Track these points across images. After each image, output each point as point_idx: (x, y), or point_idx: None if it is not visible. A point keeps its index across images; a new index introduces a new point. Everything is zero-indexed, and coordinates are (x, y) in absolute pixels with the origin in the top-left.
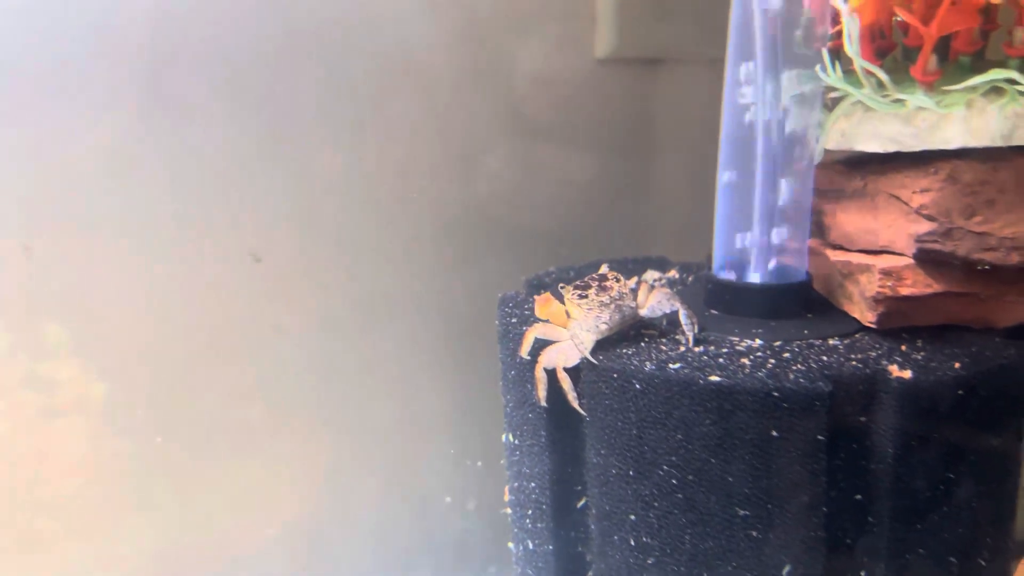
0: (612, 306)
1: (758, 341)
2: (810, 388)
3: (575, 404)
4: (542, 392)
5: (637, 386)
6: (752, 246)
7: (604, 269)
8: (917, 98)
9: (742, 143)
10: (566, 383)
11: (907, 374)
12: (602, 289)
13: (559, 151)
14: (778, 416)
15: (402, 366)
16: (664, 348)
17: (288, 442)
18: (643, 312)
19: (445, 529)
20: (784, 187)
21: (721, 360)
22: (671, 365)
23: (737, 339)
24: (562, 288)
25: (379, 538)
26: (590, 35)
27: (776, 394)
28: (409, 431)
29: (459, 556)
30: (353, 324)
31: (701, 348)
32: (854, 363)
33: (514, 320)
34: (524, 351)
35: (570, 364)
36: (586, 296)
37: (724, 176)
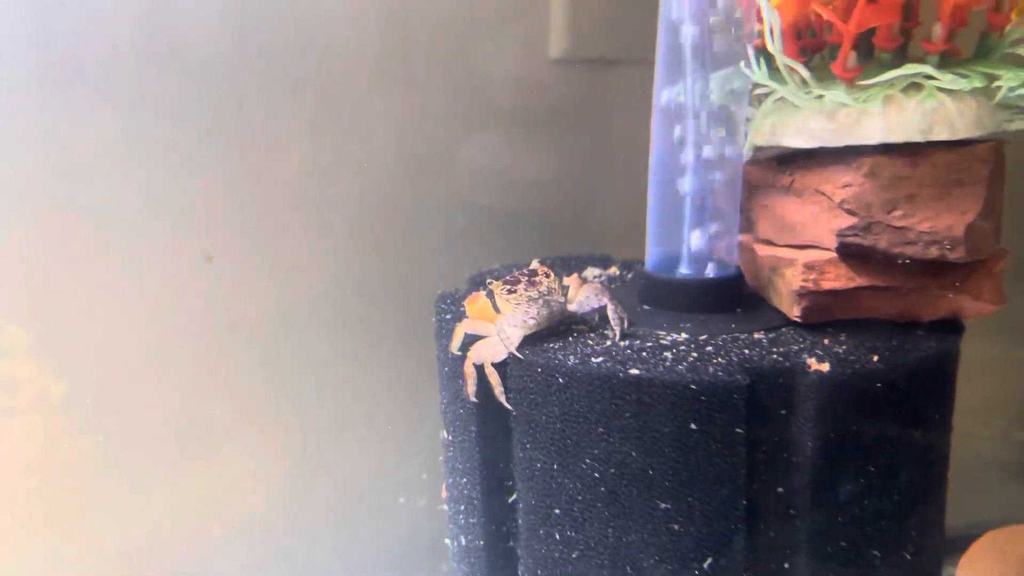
0: (540, 301)
1: (683, 335)
2: (728, 381)
3: (502, 399)
4: (471, 387)
5: (560, 380)
6: (682, 242)
7: (535, 265)
8: (835, 93)
9: (671, 142)
10: (493, 378)
11: (825, 367)
12: (531, 284)
13: (513, 151)
14: (696, 409)
15: (358, 365)
16: (591, 343)
17: (243, 442)
18: (572, 307)
19: (399, 528)
20: (714, 184)
21: (644, 354)
22: (594, 359)
23: (664, 333)
24: (491, 283)
25: (333, 537)
26: (545, 36)
27: (694, 387)
28: (363, 430)
29: (411, 554)
30: (308, 323)
31: (627, 342)
32: (775, 356)
33: (448, 317)
34: (454, 346)
35: (497, 359)
36: (514, 291)
37: (654, 173)
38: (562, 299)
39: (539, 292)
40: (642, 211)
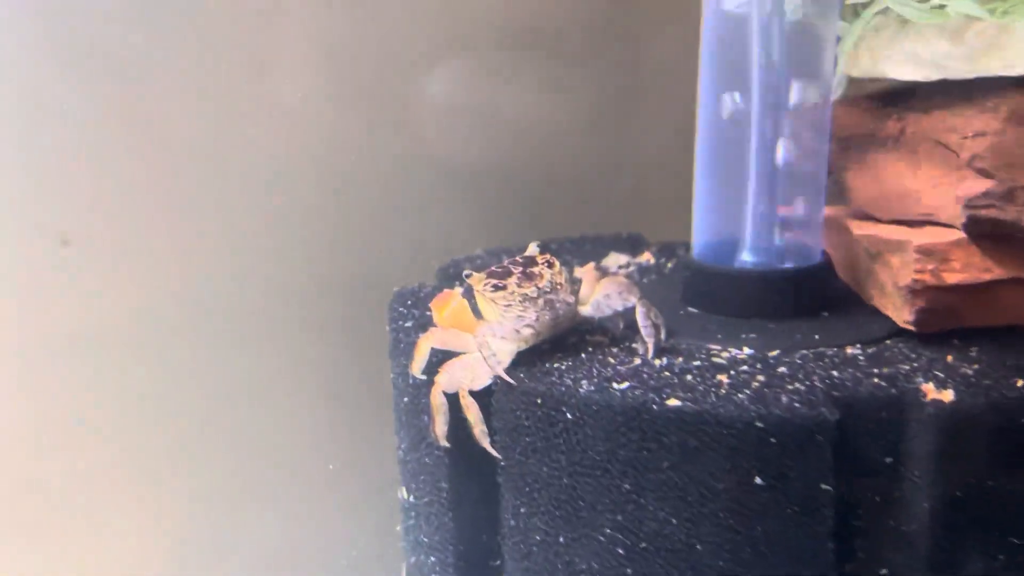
0: (540, 302)
1: (746, 350)
2: (808, 416)
3: (485, 443)
4: (440, 427)
5: (569, 416)
6: (744, 219)
7: (533, 250)
8: (963, 3)
9: (728, 68)
10: (472, 413)
11: (947, 395)
12: (527, 278)
13: (503, 86)
14: (764, 457)
15: (282, 393)
16: (612, 361)
17: (114, 503)
18: (586, 310)
19: None
20: (789, 134)
21: (689, 377)
22: (617, 385)
23: (718, 348)
24: (469, 276)
25: None
26: None
27: (760, 424)
28: (290, 486)
29: None
30: (207, 331)
31: (664, 360)
32: (877, 380)
33: (409, 325)
34: (416, 368)
35: (478, 386)
36: (503, 287)
37: (704, 120)
38: (571, 299)
39: (538, 289)
40: (687, 173)
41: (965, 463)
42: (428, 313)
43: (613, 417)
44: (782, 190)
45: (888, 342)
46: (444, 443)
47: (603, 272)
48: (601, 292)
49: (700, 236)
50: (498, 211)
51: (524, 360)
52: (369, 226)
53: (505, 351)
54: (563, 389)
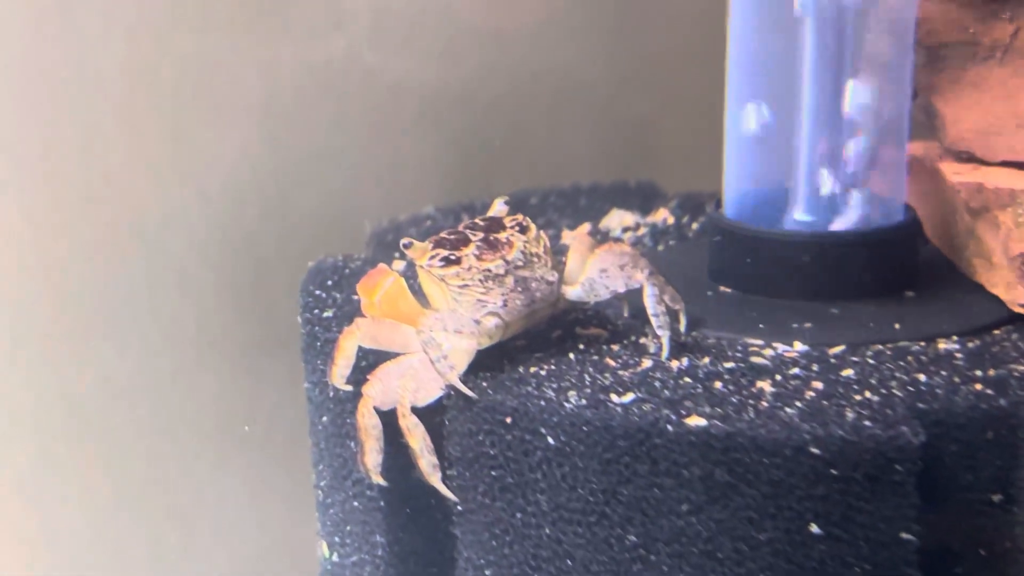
0: (510, 280)
1: (798, 346)
2: (883, 439)
3: (435, 479)
4: (372, 456)
5: (551, 440)
6: (797, 160)
7: (499, 208)
8: None
9: None
10: (417, 438)
11: None
12: (489, 247)
13: None
14: (823, 495)
15: (133, 397)
16: (612, 363)
17: None
18: (574, 292)
19: None
20: (859, 39)
21: (719, 385)
22: (617, 397)
23: (760, 343)
24: (409, 247)
25: None
26: None
27: (816, 450)
28: (164, 538)
29: None
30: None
31: (685, 361)
32: (980, 387)
33: (330, 315)
34: (336, 375)
35: (424, 400)
36: (457, 261)
37: (742, 10)
38: (553, 276)
39: (506, 262)
40: (715, 96)
41: None
42: (355, 298)
43: (612, 442)
44: (849, 120)
45: (997, 332)
46: (377, 479)
47: (598, 238)
48: (595, 267)
49: (735, 185)
50: (458, 147)
51: (487, 362)
52: (276, 170)
53: (461, 351)
54: (542, 404)
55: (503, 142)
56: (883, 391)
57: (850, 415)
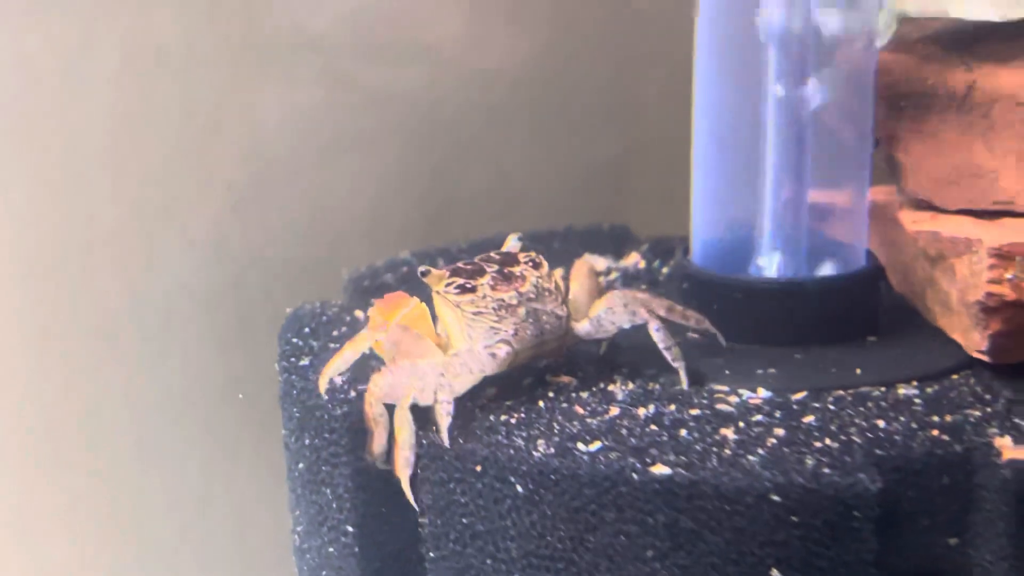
0: (522, 311)
1: (762, 392)
2: (842, 485)
3: (404, 475)
4: (378, 446)
5: (519, 488)
6: (762, 209)
7: (513, 244)
8: None
9: (734, 19)
10: (406, 432)
11: None
12: (504, 279)
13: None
14: (783, 541)
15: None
16: (581, 411)
17: None
18: (582, 328)
19: None
20: (821, 91)
21: (685, 432)
22: (584, 445)
23: (725, 389)
24: (426, 274)
25: None
26: None
27: (776, 497)
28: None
29: None
30: None
31: (652, 409)
32: (937, 433)
33: (305, 363)
34: (325, 379)
35: (425, 403)
36: (473, 289)
37: (706, 65)
38: (563, 311)
39: (519, 294)
40: (683, 141)
41: None
42: (333, 346)
43: (579, 490)
44: (812, 169)
45: (955, 377)
46: (383, 466)
47: (601, 280)
48: (605, 306)
49: (701, 233)
50: (434, 192)
51: (460, 412)
52: (261, 214)
53: (466, 376)
54: (511, 452)
55: (478, 185)
56: (843, 438)
57: (810, 462)
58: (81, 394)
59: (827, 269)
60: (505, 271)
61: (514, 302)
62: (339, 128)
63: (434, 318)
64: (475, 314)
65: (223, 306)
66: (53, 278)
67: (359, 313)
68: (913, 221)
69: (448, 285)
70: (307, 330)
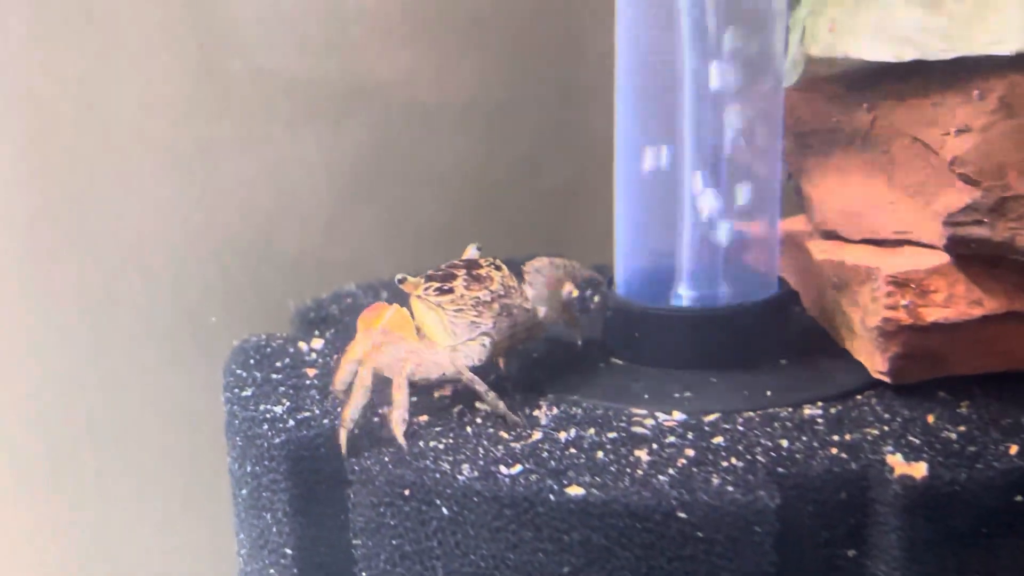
0: (496, 306)
1: (677, 415)
2: (742, 503)
3: (399, 431)
4: (352, 412)
5: (444, 510)
6: (678, 241)
7: (472, 253)
8: None
9: (653, 50)
10: (402, 396)
11: (920, 470)
12: (474, 280)
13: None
14: (689, 556)
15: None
16: (505, 436)
17: None
18: (543, 312)
19: None
20: (732, 130)
21: (601, 454)
22: (506, 468)
23: (643, 412)
24: (403, 282)
25: None
26: None
27: (682, 515)
28: None
29: None
30: None
31: (573, 432)
32: (835, 452)
33: (248, 393)
34: (339, 391)
35: (419, 377)
36: (450, 291)
37: (623, 114)
38: (529, 304)
39: (491, 292)
40: (607, 171)
41: (944, 556)
42: (274, 376)
43: (500, 511)
44: (727, 201)
45: (859, 397)
46: (351, 427)
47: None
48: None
49: (624, 264)
50: (397, 223)
51: (392, 437)
52: (217, 245)
53: (476, 349)
54: (438, 476)
55: (428, 216)
56: (748, 457)
57: (715, 481)
58: (46, 424)
59: (741, 296)
60: (473, 273)
61: (488, 299)
62: (291, 163)
63: None
64: (456, 311)
65: (183, 336)
66: (10, 318)
67: (302, 344)
68: (820, 250)
69: (427, 289)
70: (251, 362)
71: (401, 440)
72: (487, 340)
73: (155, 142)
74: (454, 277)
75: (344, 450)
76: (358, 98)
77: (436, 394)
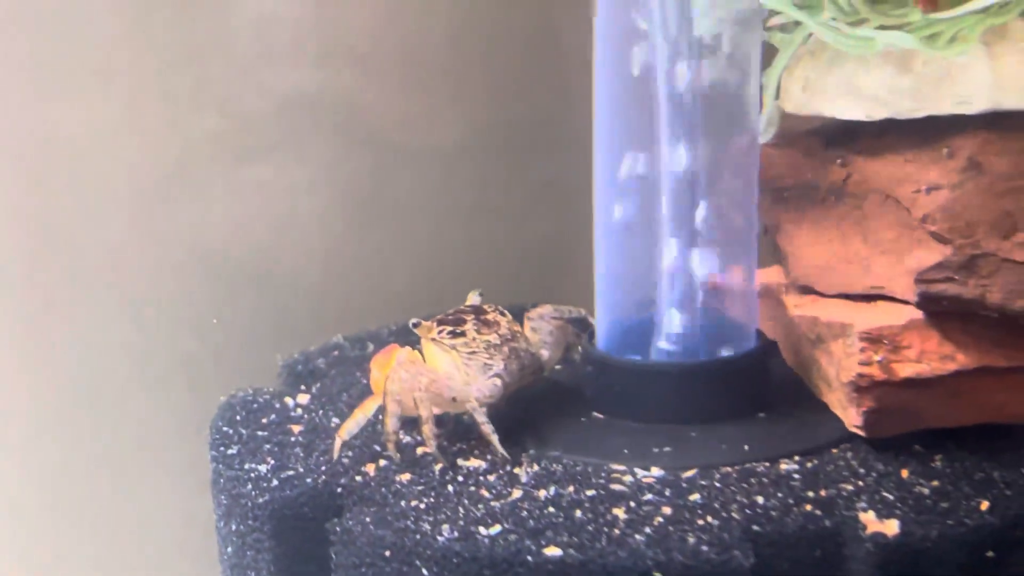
0: (506, 349)
1: (655, 471)
2: (717, 562)
3: (431, 445)
4: (392, 423)
5: (425, 572)
6: (658, 295)
7: (475, 299)
8: (894, 35)
9: (630, 107)
10: (426, 409)
11: (891, 527)
12: (484, 324)
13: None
14: None
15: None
16: (486, 494)
17: None
18: (545, 354)
19: None
20: (709, 186)
21: (580, 513)
22: (485, 529)
23: (622, 469)
24: (417, 326)
25: None
26: None
27: (658, 575)
28: None
29: None
30: None
31: (552, 490)
32: (810, 508)
33: (233, 451)
34: (345, 433)
35: (444, 397)
36: (462, 334)
37: (602, 170)
38: (532, 348)
39: (500, 336)
40: (587, 223)
41: None
42: (260, 433)
43: (479, 572)
44: (705, 256)
45: (835, 451)
46: (393, 444)
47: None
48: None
49: (604, 319)
50: (365, 272)
51: (376, 497)
52: (208, 292)
53: (490, 385)
54: (417, 537)
55: (410, 263)
56: (723, 515)
57: (691, 540)
58: (33, 474)
59: (720, 351)
60: (482, 318)
61: (498, 342)
62: (281, 209)
63: None
64: (470, 354)
65: (175, 383)
66: None
67: (288, 400)
68: (796, 305)
69: (440, 332)
70: (238, 418)
71: (437, 454)
72: (499, 380)
73: (147, 189)
74: (464, 322)
75: (335, 456)
76: (349, 140)
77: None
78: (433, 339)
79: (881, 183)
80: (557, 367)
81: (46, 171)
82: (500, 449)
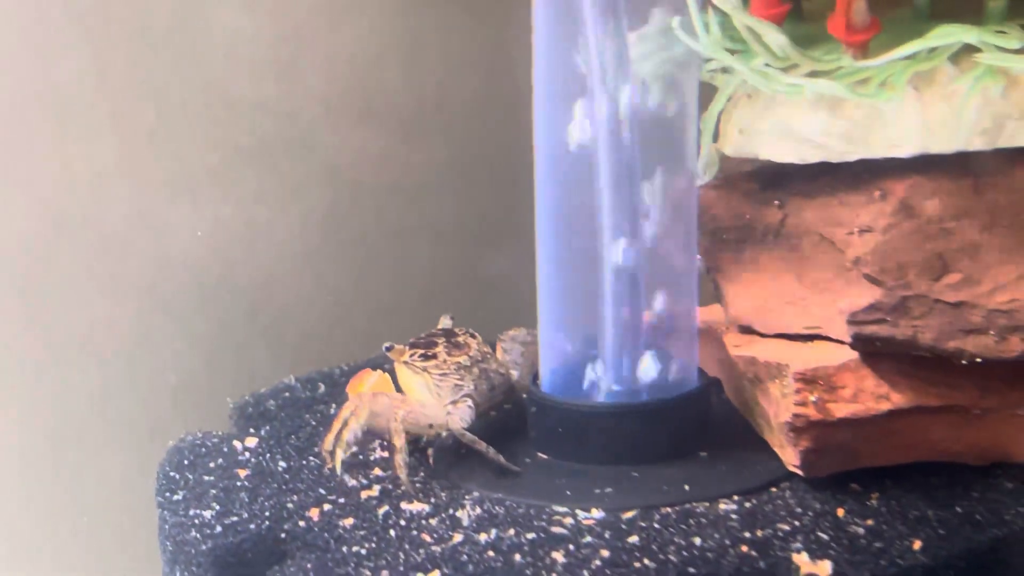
0: (476, 370)
1: (595, 512)
2: None
3: (402, 473)
4: (342, 443)
5: None
6: (599, 339)
7: (446, 323)
8: (822, 84)
9: (570, 158)
10: (400, 440)
11: (824, 569)
12: (454, 347)
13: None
14: None
15: None
16: (427, 538)
17: None
18: (516, 374)
19: None
20: (649, 231)
21: (519, 557)
22: (424, 575)
23: (563, 510)
24: (390, 349)
25: None
26: None
27: None
28: None
29: None
30: None
31: (493, 534)
32: (746, 549)
33: (179, 497)
34: (339, 458)
35: (408, 425)
36: (434, 356)
37: (545, 220)
38: (504, 368)
39: (470, 357)
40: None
41: None
42: (206, 478)
43: None
44: (645, 298)
45: (774, 490)
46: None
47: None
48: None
49: (548, 361)
50: (327, 307)
51: (319, 543)
52: (154, 336)
53: (464, 410)
54: None
55: (373, 298)
56: (661, 556)
57: None
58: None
59: (661, 391)
60: (452, 340)
61: (468, 363)
62: (245, 248)
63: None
64: (441, 376)
65: (139, 423)
66: None
67: (236, 443)
68: (735, 345)
69: (412, 355)
70: (185, 463)
71: (406, 481)
72: (470, 401)
73: (104, 231)
74: (435, 344)
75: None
76: (309, 176)
77: (364, 495)
78: (405, 362)
79: (816, 224)
80: (506, 406)
81: (11, 214)
82: (500, 459)
